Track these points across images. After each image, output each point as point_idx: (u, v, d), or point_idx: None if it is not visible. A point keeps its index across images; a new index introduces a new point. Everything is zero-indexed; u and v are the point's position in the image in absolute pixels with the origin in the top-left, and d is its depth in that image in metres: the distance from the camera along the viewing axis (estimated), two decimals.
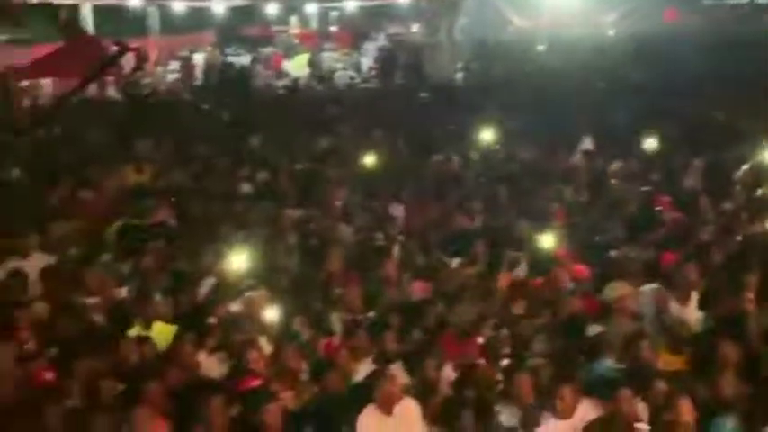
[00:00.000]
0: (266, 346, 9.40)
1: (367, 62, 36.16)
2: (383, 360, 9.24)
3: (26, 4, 30.18)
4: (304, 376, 9.00)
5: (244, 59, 35.70)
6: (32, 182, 15.65)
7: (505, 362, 9.08)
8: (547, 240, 11.61)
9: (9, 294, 10.57)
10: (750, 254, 10.91)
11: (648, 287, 10.42)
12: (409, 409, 8.56)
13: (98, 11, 33.08)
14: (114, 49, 22.84)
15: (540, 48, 35.49)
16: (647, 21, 37.53)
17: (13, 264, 11.35)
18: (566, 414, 8.11)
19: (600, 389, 8.27)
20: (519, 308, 10.24)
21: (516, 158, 17.15)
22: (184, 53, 35.86)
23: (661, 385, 8.15)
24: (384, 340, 9.47)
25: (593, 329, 9.55)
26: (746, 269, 10.20)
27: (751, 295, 9.47)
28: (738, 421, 7.99)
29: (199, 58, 35.22)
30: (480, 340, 9.61)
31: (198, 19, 36.93)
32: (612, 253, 11.89)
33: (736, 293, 9.72)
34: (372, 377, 8.72)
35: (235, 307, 10.33)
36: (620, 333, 9.15)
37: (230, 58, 35.72)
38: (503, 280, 11.02)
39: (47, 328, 9.74)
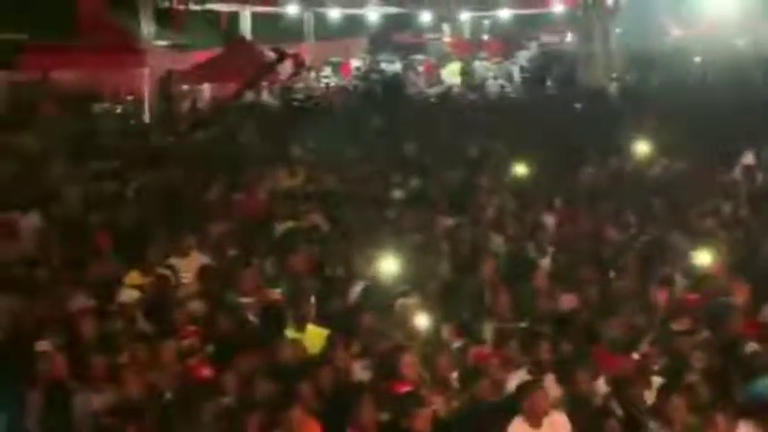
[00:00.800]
0: (417, 352, 9.41)
1: (519, 71, 35.98)
2: (537, 371, 9.15)
3: (187, 11, 31.13)
4: (454, 384, 8.99)
5: (396, 66, 36.00)
6: (190, 183, 16.07)
7: (659, 379, 8.88)
8: (703, 256, 11.32)
9: (166, 293, 10.90)
10: None
11: None
12: (559, 422, 8.46)
13: (256, 17, 33.86)
14: (273, 55, 23.34)
15: (698, 59, 34.70)
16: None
17: (171, 263, 11.69)
18: None
19: (759, 410, 8.02)
20: (678, 324, 9.99)
21: (672, 171, 16.79)
22: (336, 59, 36.40)
23: None
24: (536, 350, 9.38)
25: (751, 348, 9.25)
26: None
27: None
28: None
29: (354, 64, 35.71)
30: (636, 356, 9.41)
31: (351, 25, 37.44)
32: None
33: None
34: (523, 388, 8.65)
35: (385, 313, 10.38)
36: None
37: (383, 65, 36.09)
38: (659, 295, 10.77)
39: (205, 326, 10.00)
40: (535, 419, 8.36)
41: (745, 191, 15.16)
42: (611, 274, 11.58)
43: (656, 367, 9.10)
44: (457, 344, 9.80)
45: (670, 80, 29.57)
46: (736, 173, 16.44)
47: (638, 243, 12.66)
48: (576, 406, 8.70)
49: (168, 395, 8.72)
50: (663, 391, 8.47)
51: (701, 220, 13.40)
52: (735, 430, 7.91)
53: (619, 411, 8.55)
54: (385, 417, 8.30)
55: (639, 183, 16.28)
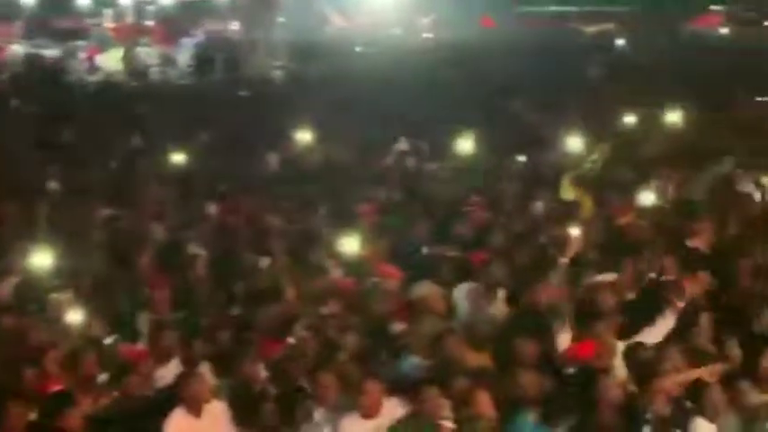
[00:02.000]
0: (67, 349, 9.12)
1: (183, 58, 35.61)
2: (192, 362, 9.11)
3: None
4: (103, 380, 8.78)
5: (53, 52, 34.62)
6: None
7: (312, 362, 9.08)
8: (357, 242, 11.65)
9: None
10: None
11: (462, 286, 10.59)
12: (218, 411, 8.48)
13: None
14: None
15: (359, 49, 35.76)
16: (464, 26, 38.36)
17: None
18: (371, 413, 8.17)
19: (405, 387, 8.37)
20: (331, 307, 10.25)
21: (330, 159, 17.18)
22: None
23: (463, 382, 8.30)
24: (192, 342, 9.35)
25: (398, 328, 9.65)
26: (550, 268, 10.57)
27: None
28: (539, 416, 8.22)
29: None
30: (291, 340, 9.58)
31: (6, 9, 35.67)
32: (423, 253, 12.05)
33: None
34: (180, 379, 8.59)
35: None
36: (425, 331, 9.27)
37: (38, 51, 34.57)
38: (317, 281, 10.99)
39: None
40: (194, 409, 8.34)
41: (398, 177, 15.75)
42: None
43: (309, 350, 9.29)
44: (108, 340, 9.58)
45: (332, 69, 30.26)
46: (390, 159, 17.06)
47: (295, 230, 12.86)
48: (236, 393, 8.75)
49: None
50: (313, 372, 8.67)
51: (356, 205, 13.80)
52: (382, 406, 8.20)
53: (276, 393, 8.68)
54: (34, 417, 7.99)
55: (300, 170, 16.55)
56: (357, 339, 9.23)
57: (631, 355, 8.95)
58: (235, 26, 37.06)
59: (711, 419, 8.18)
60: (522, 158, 16.12)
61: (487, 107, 20.56)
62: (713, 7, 41.77)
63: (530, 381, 8.37)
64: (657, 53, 30.18)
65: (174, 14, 40.11)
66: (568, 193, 14.07)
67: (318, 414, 8.40)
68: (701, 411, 8.20)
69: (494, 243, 11.82)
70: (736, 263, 10.83)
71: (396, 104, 20.90)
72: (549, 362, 8.99)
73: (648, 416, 8.12)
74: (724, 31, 39.51)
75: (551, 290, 10.03)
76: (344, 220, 12.82)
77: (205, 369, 8.94)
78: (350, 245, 11.44)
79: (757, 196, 14.05)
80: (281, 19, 33.65)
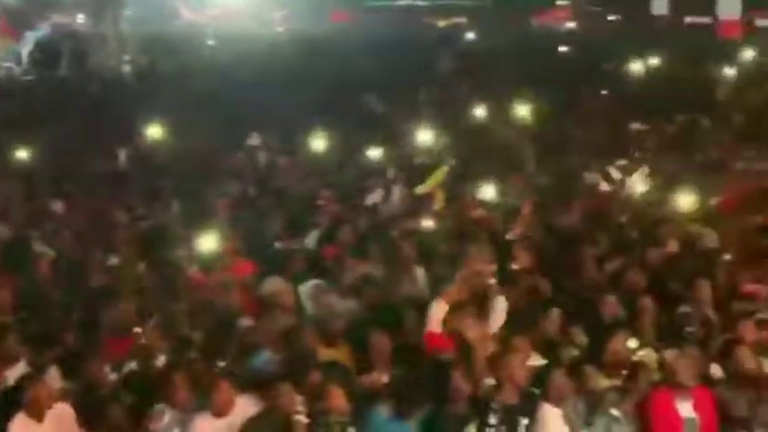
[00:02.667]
0: None
1: (27, 52, 34.50)
2: (39, 364, 8.85)
3: None
4: None
5: None
6: None
7: (162, 360, 8.95)
8: (212, 236, 11.52)
9: None
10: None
11: (310, 282, 10.58)
12: (63, 414, 8.26)
13: None
14: None
15: (211, 42, 35.35)
16: (315, 20, 38.32)
17: None
18: (223, 411, 8.08)
19: (258, 383, 8.30)
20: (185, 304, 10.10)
21: (183, 154, 16.96)
22: None
23: (316, 376, 8.29)
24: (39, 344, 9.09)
25: (247, 323, 9.58)
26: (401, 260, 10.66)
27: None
28: (392, 408, 8.27)
29: None
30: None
31: None
32: (275, 247, 12.00)
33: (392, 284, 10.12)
34: (23, 382, 8.33)
35: None
36: (275, 327, 9.22)
37: None
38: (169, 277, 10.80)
39: None
40: (37, 413, 8.10)
41: (251, 171, 15.66)
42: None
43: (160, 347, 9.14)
44: None
45: (180, 63, 29.85)
46: (242, 154, 16.94)
47: (143, 225, 12.65)
48: (82, 395, 8.55)
49: None
50: (163, 373, 8.53)
51: (211, 200, 13.66)
52: (234, 404, 8.12)
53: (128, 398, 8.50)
54: None
55: (151, 165, 16.29)
56: (207, 336, 9.11)
57: (481, 344, 9.08)
58: (82, 19, 36.09)
59: (557, 404, 8.37)
60: (374, 152, 16.16)
61: (339, 101, 20.58)
62: (560, 2, 42.77)
63: (385, 373, 8.40)
64: (506, 47, 30.71)
65: (18, 6, 38.82)
66: (422, 186, 14.21)
67: (168, 415, 8.26)
68: (547, 397, 8.39)
69: (344, 238, 11.82)
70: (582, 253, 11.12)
71: (247, 99, 20.74)
72: (403, 354, 9.04)
73: (494, 405, 8.26)
74: (570, 25, 40.48)
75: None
76: (197, 215, 12.67)
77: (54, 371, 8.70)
78: (203, 240, 11.32)
79: (605, 187, 14.48)
80: (128, 12, 32.93)
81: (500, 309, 9.57)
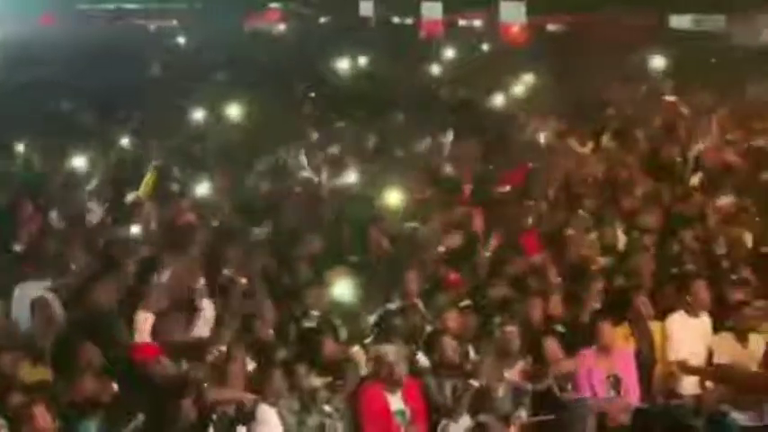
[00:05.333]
0: None
1: None
2: None
3: None
4: None
5: None
6: None
7: None
8: None
9: None
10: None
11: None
12: None
13: None
14: None
15: None
16: (23, 23, 36.86)
17: None
18: None
19: None
20: None
21: None
22: None
23: (18, 398, 7.92)
24: None
25: None
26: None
27: None
28: (102, 422, 8.04)
29: None
30: None
31: None
32: None
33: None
34: None
35: None
36: None
37: None
38: None
39: None
40: None
41: None
42: None
43: None
44: None
45: None
46: None
47: None
48: None
49: None
50: None
51: None
52: None
53: None
54: None
55: None
56: None
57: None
58: None
59: (272, 404, 8.39)
60: (79, 161, 15.54)
61: (41, 110, 19.73)
62: (272, 4, 43.07)
63: (89, 386, 8.15)
64: (218, 49, 30.58)
65: None
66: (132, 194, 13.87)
67: None
68: (264, 398, 8.40)
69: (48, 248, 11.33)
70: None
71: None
72: (112, 364, 8.78)
73: (213, 416, 8.20)
74: (282, 26, 40.84)
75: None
76: None
77: None
78: None
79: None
80: None
81: (208, 316, 9.49)
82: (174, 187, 14.08)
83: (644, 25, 29.18)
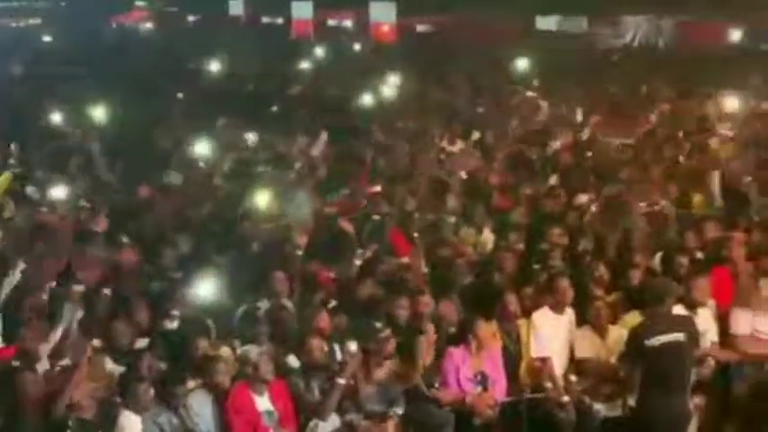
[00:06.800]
0: None
1: None
2: None
3: None
4: None
5: None
6: None
7: None
8: None
9: None
10: None
11: None
12: None
13: None
14: None
15: None
16: None
17: None
18: None
19: None
20: None
21: None
22: None
23: None
24: None
25: None
26: None
27: None
28: None
29: None
30: None
31: None
32: None
33: None
34: None
35: None
36: None
37: None
38: None
39: None
40: None
41: None
42: None
43: None
44: None
45: None
46: None
47: None
48: None
49: None
50: None
51: None
52: None
53: None
54: None
55: None
56: None
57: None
58: None
59: (139, 412, 8.25)
60: None
61: None
62: (138, 3, 42.46)
63: None
64: (82, 48, 30.02)
65: None
66: None
67: None
68: (127, 405, 8.26)
69: None
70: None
71: None
72: None
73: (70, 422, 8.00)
74: (149, 25, 40.28)
75: None
76: None
77: None
78: None
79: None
80: None
81: (75, 318, 9.26)
82: (31, 190, 13.73)
83: (511, 27, 29.68)
